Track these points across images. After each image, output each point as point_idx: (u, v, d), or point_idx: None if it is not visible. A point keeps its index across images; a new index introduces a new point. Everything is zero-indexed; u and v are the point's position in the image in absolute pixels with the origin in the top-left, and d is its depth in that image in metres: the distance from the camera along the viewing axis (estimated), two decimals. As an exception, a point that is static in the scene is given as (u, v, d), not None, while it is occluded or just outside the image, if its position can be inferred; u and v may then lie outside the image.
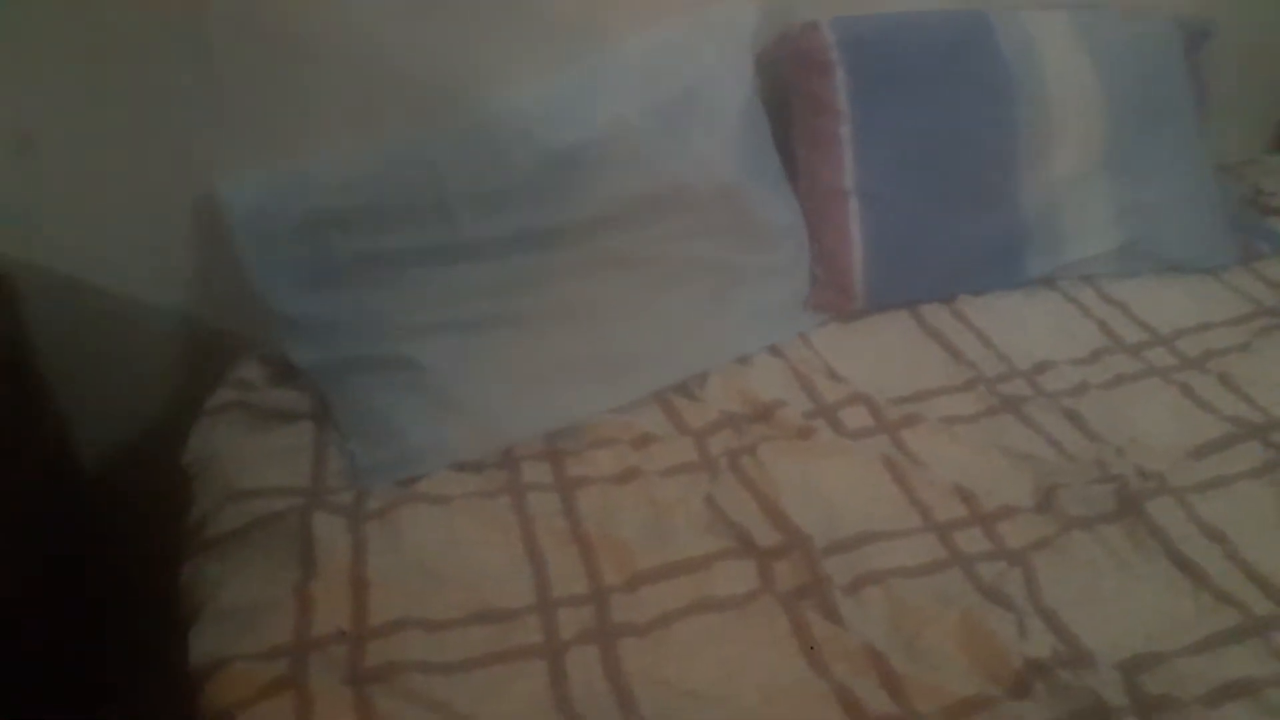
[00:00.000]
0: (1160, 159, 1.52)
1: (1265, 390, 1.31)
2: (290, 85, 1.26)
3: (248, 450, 1.19)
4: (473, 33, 1.30)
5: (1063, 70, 1.48)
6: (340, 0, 1.22)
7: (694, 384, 1.33)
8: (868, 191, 1.42)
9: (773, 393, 1.30)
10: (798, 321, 1.43)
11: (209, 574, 1.05)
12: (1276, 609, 1.02)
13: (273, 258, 1.25)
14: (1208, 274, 1.54)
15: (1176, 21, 1.59)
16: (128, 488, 1.41)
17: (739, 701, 0.93)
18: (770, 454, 1.20)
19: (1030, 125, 1.46)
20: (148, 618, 1.18)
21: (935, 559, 1.08)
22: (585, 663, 0.96)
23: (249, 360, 1.31)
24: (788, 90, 1.46)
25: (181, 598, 1.05)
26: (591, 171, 1.29)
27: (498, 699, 0.92)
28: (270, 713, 0.89)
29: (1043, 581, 1.05)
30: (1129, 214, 1.50)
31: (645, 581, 1.04)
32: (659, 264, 1.35)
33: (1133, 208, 1.51)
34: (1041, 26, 1.49)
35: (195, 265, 1.35)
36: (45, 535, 1.25)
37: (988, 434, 1.25)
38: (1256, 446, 1.22)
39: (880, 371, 1.35)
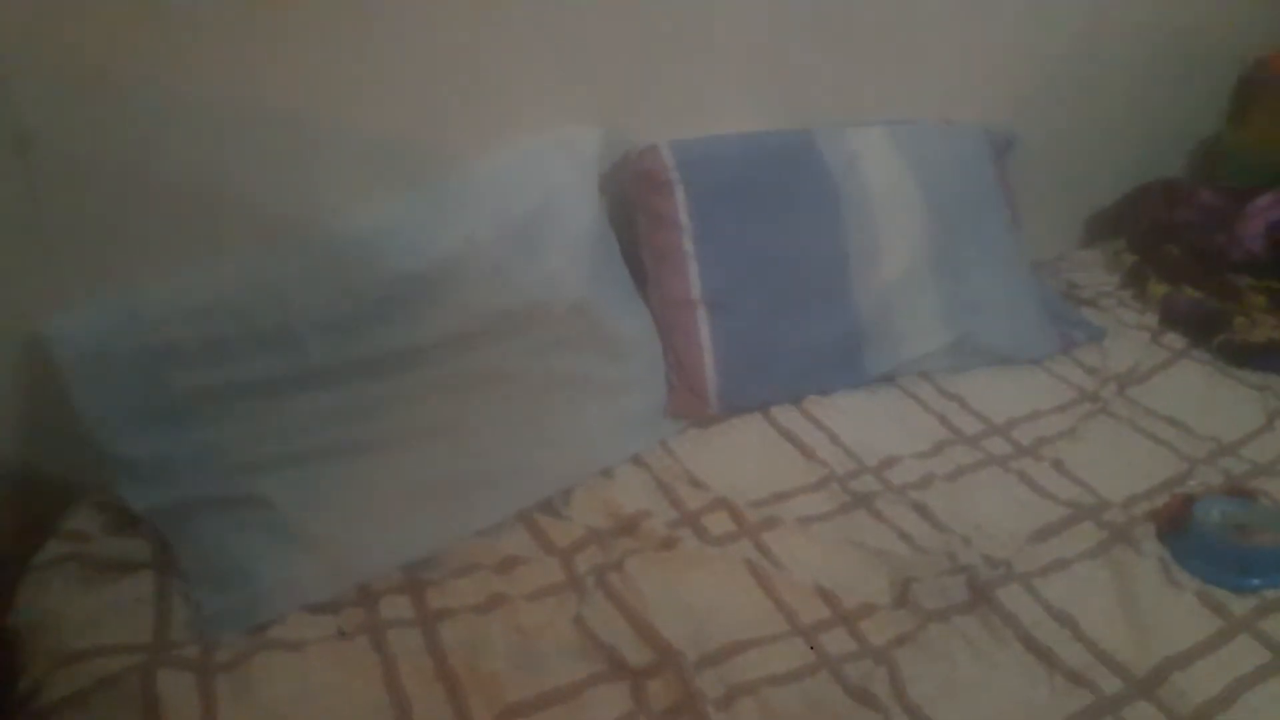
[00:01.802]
0: (979, 259, 1.64)
1: (1093, 472, 1.40)
2: (122, 216, 1.21)
3: (83, 607, 1.11)
4: (317, 155, 1.29)
5: (884, 180, 1.59)
6: (167, 125, 1.19)
7: (558, 500, 1.32)
8: (713, 300, 1.47)
9: (637, 503, 1.31)
10: (657, 429, 1.46)
11: (39, 752, 0.97)
12: (1123, 686, 1.08)
13: (105, 396, 1.18)
14: (1034, 364, 1.65)
15: (984, 131, 1.74)
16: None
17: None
18: (637, 568, 1.20)
19: (858, 232, 1.55)
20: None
21: (804, 664, 1.10)
22: (457, 812, 0.92)
23: (82, 508, 1.23)
24: (633, 207, 1.51)
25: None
26: (443, 292, 1.29)
27: None
28: None
29: (906, 678, 1.07)
30: (955, 312, 1.60)
31: (516, 715, 1.02)
32: (515, 380, 1.35)
33: (958, 306, 1.61)
34: (862, 141, 1.60)
35: (22, 408, 1.27)
36: None
37: (843, 531, 1.29)
38: (1091, 527, 1.30)
39: (739, 475, 1.38)
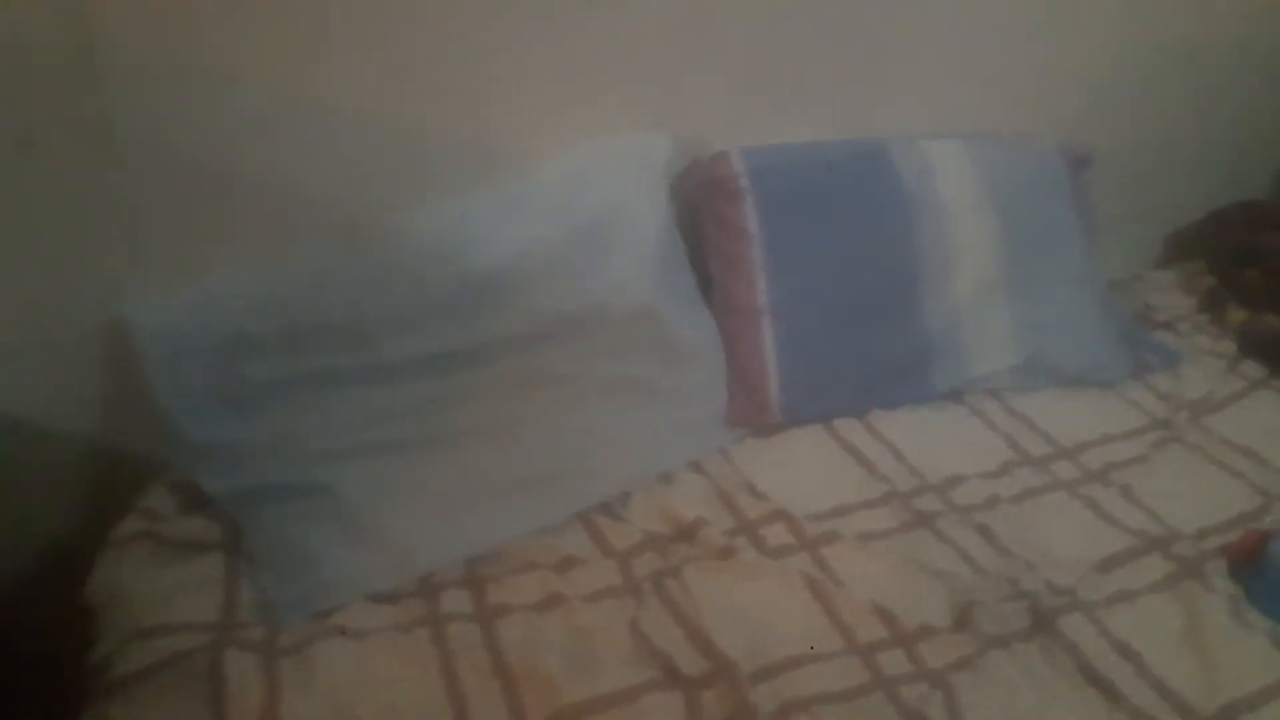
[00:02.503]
0: (1052, 278, 1.61)
1: (1163, 502, 1.37)
2: (202, 208, 1.24)
3: (155, 584, 1.15)
4: (392, 156, 1.31)
5: (958, 193, 1.56)
6: (254, 122, 1.22)
7: (617, 503, 1.33)
8: (780, 310, 1.47)
9: (695, 511, 1.31)
10: (717, 437, 1.45)
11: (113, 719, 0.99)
12: (1187, 725, 1.05)
13: (182, 382, 1.21)
14: (1105, 387, 1.61)
15: (1061, 146, 1.70)
16: (25, 623, 1.33)
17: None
18: (694, 575, 1.20)
19: (930, 245, 1.53)
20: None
21: (859, 683, 1.09)
22: (510, 809, 0.93)
23: (157, 488, 1.26)
24: (701, 214, 1.51)
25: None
26: (510, 292, 1.30)
27: None
28: None
29: (963, 704, 1.06)
30: (1026, 330, 1.58)
31: (570, 717, 1.02)
32: (579, 382, 1.36)
33: (1029, 324, 1.58)
34: (936, 152, 1.58)
35: (102, 390, 1.31)
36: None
37: (904, 550, 1.28)
38: (1159, 559, 1.27)
39: (799, 487, 1.37)
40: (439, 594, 1.17)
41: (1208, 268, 1.96)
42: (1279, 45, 1.95)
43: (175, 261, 1.25)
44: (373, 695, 1.03)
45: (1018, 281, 1.58)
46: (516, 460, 1.31)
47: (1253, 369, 1.71)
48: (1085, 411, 1.56)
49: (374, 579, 1.17)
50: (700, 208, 1.51)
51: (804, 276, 1.48)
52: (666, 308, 1.42)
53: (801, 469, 1.42)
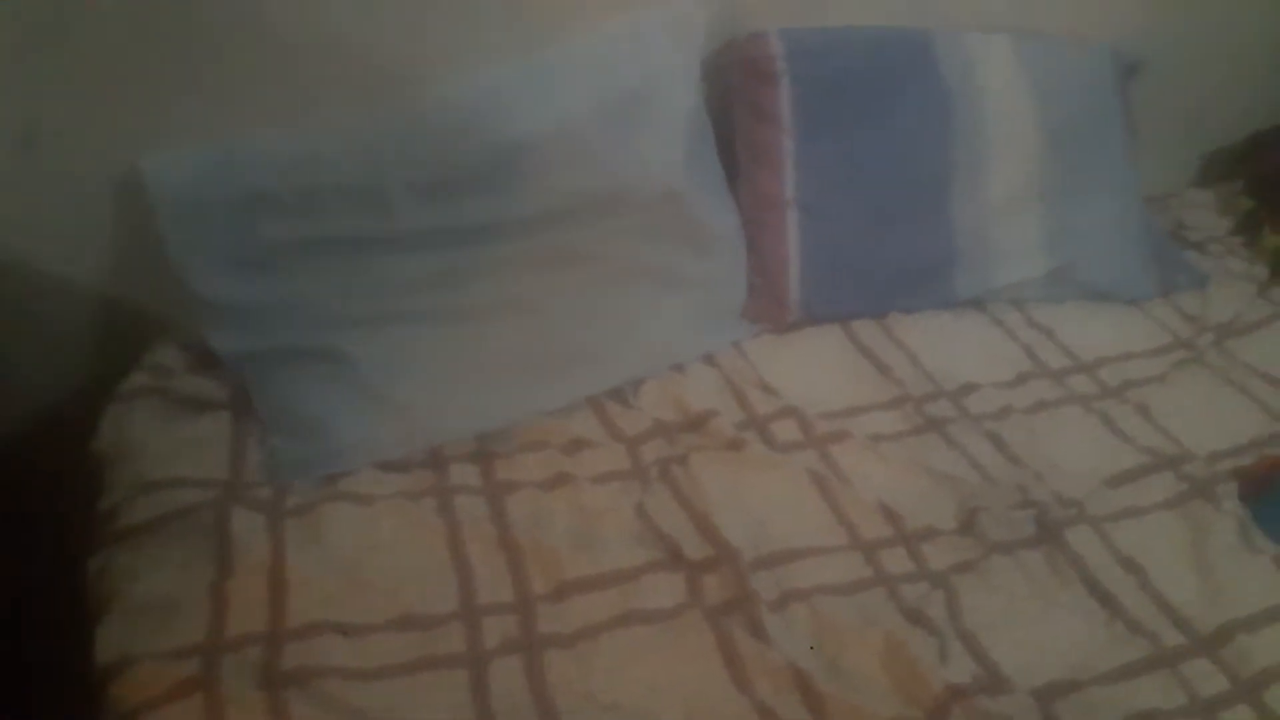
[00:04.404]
0: (1090, 186, 1.56)
1: (1178, 422, 1.35)
2: (226, 61, 1.20)
3: (163, 439, 1.15)
4: (424, 16, 1.26)
5: (1002, 94, 1.50)
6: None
7: (628, 390, 1.32)
8: (807, 203, 1.43)
9: (706, 402, 1.30)
10: (733, 331, 1.43)
11: (119, 567, 1.01)
12: (1185, 641, 1.06)
13: (197, 238, 1.19)
14: (1131, 304, 1.58)
15: (1112, 50, 1.63)
16: (33, 472, 1.34)
17: (663, 717, 0.92)
18: (701, 465, 1.20)
19: (966, 145, 1.48)
20: (51, 608, 1.13)
21: (860, 578, 1.10)
22: (508, 674, 0.94)
23: (167, 345, 1.26)
24: (732, 98, 1.45)
25: (89, 590, 1.01)
26: (536, 166, 1.27)
27: (417, 708, 0.90)
28: (178, 715, 0.86)
29: (964, 605, 1.06)
30: (1058, 240, 1.54)
31: (573, 591, 1.03)
32: (599, 264, 1.34)
33: (1062, 234, 1.54)
34: (983, 48, 1.51)
35: (115, 242, 1.29)
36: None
37: (913, 453, 1.27)
38: (1170, 478, 1.26)
39: (811, 385, 1.36)
40: (448, 466, 1.17)
41: (1246, 190, 1.90)
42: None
43: (196, 115, 1.21)
44: (378, 559, 1.04)
45: (1054, 187, 1.53)
46: (531, 340, 1.29)
47: (1282, 295, 1.67)
48: (1108, 327, 1.53)
49: (383, 446, 1.17)
50: (733, 90, 1.45)
51: (834, 169, 1.43)
52: (692, 193, 1.38)
53: (815, 367, 1.40)
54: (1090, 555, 1.13)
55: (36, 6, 1.10)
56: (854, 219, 1.45)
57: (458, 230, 1.25)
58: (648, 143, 1.33)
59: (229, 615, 0.95)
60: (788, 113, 1.41)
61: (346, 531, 1.06)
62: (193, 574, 0.99)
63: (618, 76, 1.33)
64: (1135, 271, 1.60)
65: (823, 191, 1.43)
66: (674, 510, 1.15)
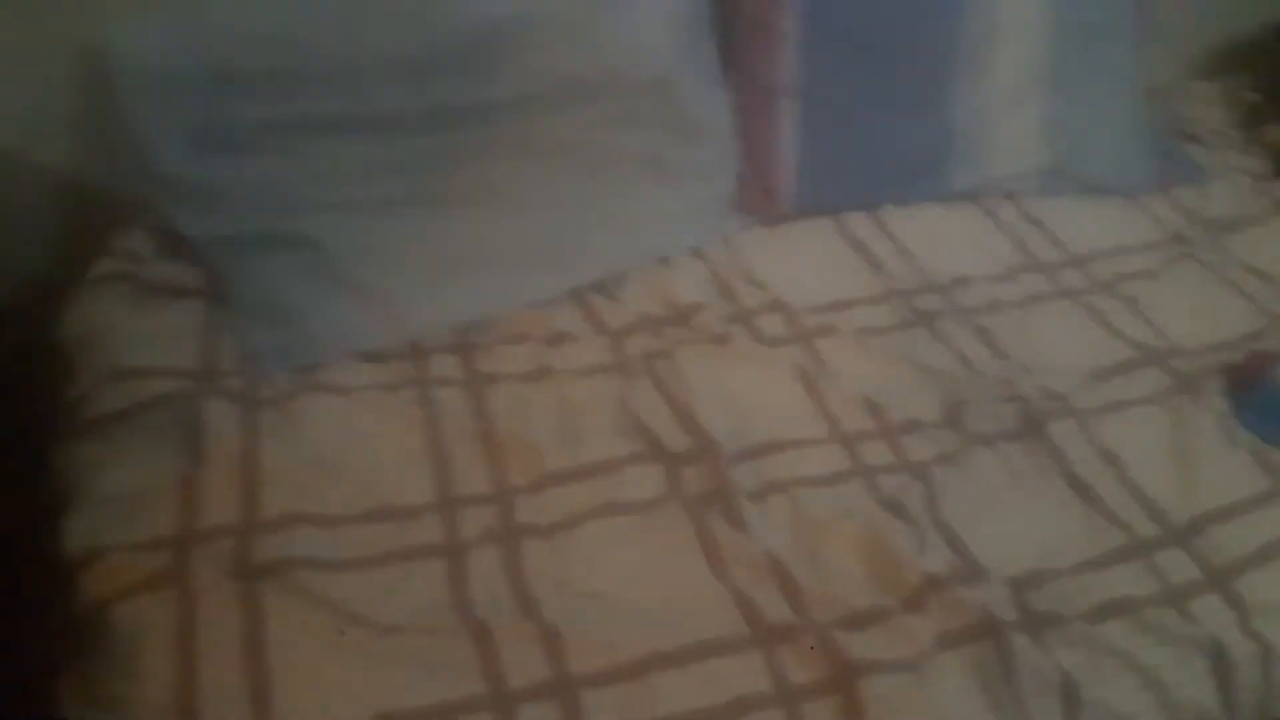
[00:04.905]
0: (1096, 78, 1.51)
1: (1169, 317, 1.34)
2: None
3: (133, 326, 1.12)
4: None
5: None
6: None
7: (612, 283, 1.29)
8: (804, 90, 1.38)
9: (692, 296, 1.28)
10: (721, 224, 1.40)
11: (87, 457, 0.99)
12: (1160, 531, 1.06)
13: (166, 116, 1.15)
14: (1126, 198, 1.55)
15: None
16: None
17: (641, 605, 0.93)
18: (686, 358, 1.19)
19: (973, 28, 1.42)
20: (12, 500, 1.12)
21: (839, 470, 1.09)
22: (486, 563, 0.94)
23: (135, 230, 1.22)
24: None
25: (55, 481, 0.99)
26: (520, 47, 1.22)
27: (393, 598, 0.90)
28: (150, 606, 0.85)
29: (942, 496, 1.06)
30: (1058, 133, 1.49)
31: (552, 483, 1.03)
32: (584, 152, 1.29)
33: (1062, 127, 1.49)
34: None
35: (79, 120, 1.24)
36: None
37: (900, 347, 1.26)
38: (1156, 372, 1.25)
39: (800, 279, 1.33)
40: (427, 357, 1.16)
41: (1253, 84, 1.85)
42: None
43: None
44: (355, 449, 1.03)
45: (1059, 75, 1.47)
46: (512, 229, 1.26)
47: (1280, 191, 1.63)
48: (1102, 220, 1.50)
49: (360, 336, 1.15)
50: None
51: (834, 53, 1.38)
52: (683, 79, 1.33)
53: (804, 261, 1.37)
54: (1071, 448, 1.13)
55: None
56: (852, 107, 1.40)
57: (436, 113, 1.20)
58: (638, 24, 1.28)
59: (201, 506, 0.94)
60: (791, -9, 1.34)
61: (322, 423, 1.05)
62: (163, 464, 0.98)
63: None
64: (1133, 165, 1.56)
65: (821, 77, 1.38)
66: (656, 403, 1.14)
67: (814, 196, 1.41)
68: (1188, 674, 0.95)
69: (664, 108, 1.32)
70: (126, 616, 0.84)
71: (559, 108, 1.25)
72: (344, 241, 1.17)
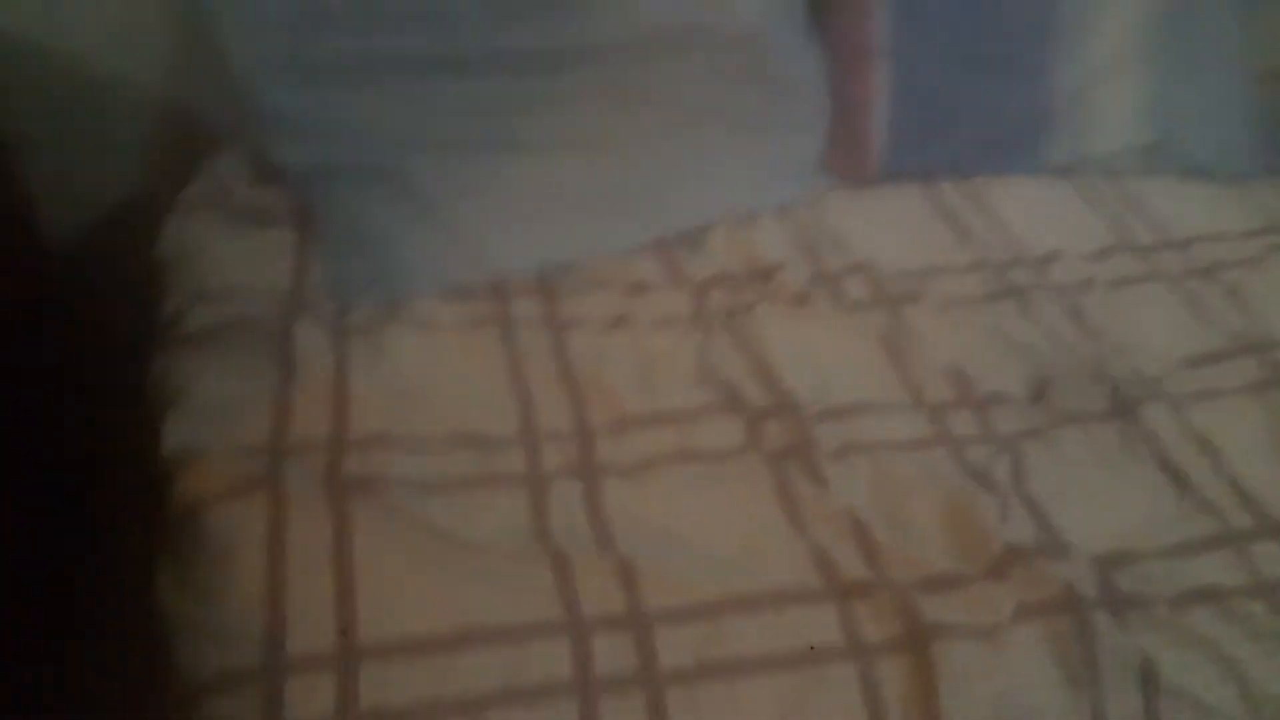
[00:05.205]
0: (1204, 55, 1.46)
1: (1268, 308, 1.29)
2: None
3: (226, 249, 1.14)
4: None
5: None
6: None
7: (696, 236, 1.28)
8: (899, 51, 1.35)
9: (775, 254, 1.26)
10: (809, 183, 1.38)
11: (184, 368, 1.01)
12: (1255, 523, 1.02)
13: (258, 45, 1.15)
14: (1230, 183, 1.49)
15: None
16: (93, 275, 1.35)
17: (717, 549, 0.92)
18: (766, 317, 1.17)
19: (1074, -2, 1.38)
20: (110, 409, 1.15)
21: (924, 436, 1.07)
22: (566, 496, 0.94)
23: (230, 154, 1.24)
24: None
25: (152, 391, 1.01)
26: (613, -7, 1.21)
27: (477, 521, 0.90)
28: (243, 510, 0.87)
29: (1029, 470, 1.04)
30: (1162, 109, 1.45)
31: (632, 426, 1.02)
32: (673, 104, 1.28)
33: (1167, 103, 1.45)
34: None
35: (175, 46, 1.26)
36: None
37: (988, 319, 1.23)
38: (1253, 363, 1.21)
39: (887, 243, 1.31)
40: (510, 298, 1.16)
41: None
42: None
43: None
44: (440, 381, 1.04)
45: (1164, 48, 1.42)
46: (598, 177, 1.25)
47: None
48: (1203, 204, 1.44)
49: (446, 272, 1.15)
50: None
51: (930, 15, 1.35)
52: (773, 35, 1.30)
53: (892, 226, 1.34)
54: (1164, 433, 1.09)
55: None
56: (947, 70, 1.37)
57: (526, 55, 1.20)
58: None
59: (292, 420, 0.95)
60: (885, -49, 1.32)
61: (409, 353, 1.06)
62: (256, 380, 0.99)
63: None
64: (1238, 147, 1.50)
65: (917, 38, 1.35)
66: (736, 359, 1.13)
67: (905, 160, 1.39)
68: (1275, 669, 0.92)
69: (753, 64, 1.30)
70: (221, 517, 0.86)
71: (649, 58, 1.24)
72: (433, 178, 1.18)
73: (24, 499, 1.22)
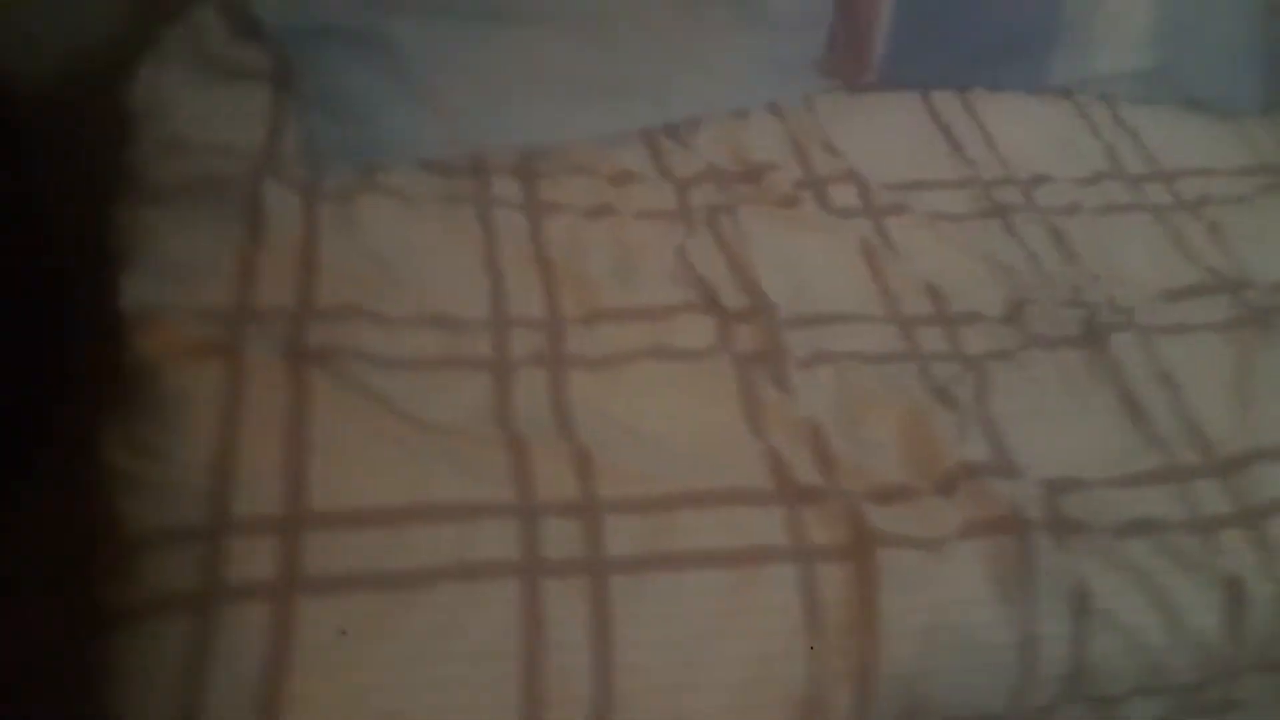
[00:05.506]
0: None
1: (1249, 247, 1.28)
2: None
3: (200, 101, 1.11)
4: None
5: None
6: None
7: (685, 128, 1.25)
8: (903, -47, 1.30)
9: (765, 154, 1.24)
10: (805, 83, 1.35)
11: (147, 221, 0.99)
12: (1201, 460, 1.04)
13: None
14: (1227, 118, 1.47)
15: None
16: (60, 119, 1.31)
17: (673, 445, 0.93)
18: (751, 217, 1.16)
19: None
20: (72, 255, 1.13)
21: (893, 350, 1.07)
22: (531, 383, 0.95)
23: (208, 5, 1.18)
24: None
25: (115, 240, 0.99)
26: None
27: (438, 402, 0.90)
28: (199, 371, 0.86)
29: (993, 390, 1.04)
30: (1167, 34, 1.41)
31: (604, 319, 1.02)
32: (669, -9, 1.24)
33: (1172, 26, 1.41)
34: None
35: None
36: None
37: (971, 236, 1.22)
38: (1225, 300, 1.21)
39: (878, 152, 1.29)
40: (490, 176, 1.14)
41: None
42: None
43: None
44: (412, 255, 1.03)
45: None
46: (588, 59, 1.22)
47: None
48: (1198, 138, 1.42)
49: (425, 143, 1.13)
50: None
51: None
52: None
53: (885, 134, 1.32)
54: (1129, 364, 1.10)
55: None
56: (958, -28, 1.33)
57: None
58: None
59: (257, 285, 0.94)
60: None
61: (382, 224, 1.04)
62: (222, 239, 0.97)
63: None
64: (1240, 82, 1.47)
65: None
66: (716, 257, 1.12)
67: (904, 67, 1.36)
68: (1201, 602, 0.94)
69: None
70: (176, 377, 0.85)
71: None
72: (418, 45, 1.14)
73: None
